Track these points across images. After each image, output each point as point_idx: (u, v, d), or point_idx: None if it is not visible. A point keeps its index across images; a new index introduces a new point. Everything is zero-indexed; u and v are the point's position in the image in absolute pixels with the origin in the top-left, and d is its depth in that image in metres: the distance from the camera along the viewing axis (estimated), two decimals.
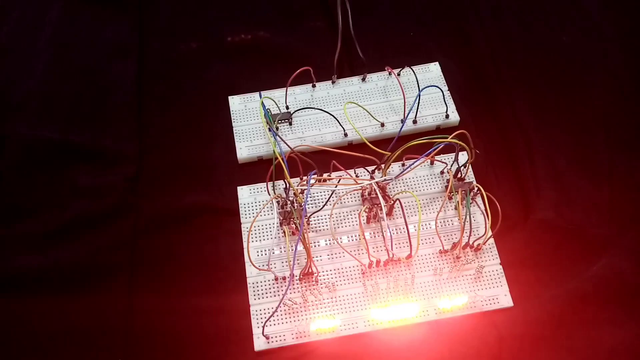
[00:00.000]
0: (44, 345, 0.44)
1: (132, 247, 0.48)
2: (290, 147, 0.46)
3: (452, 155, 0.49)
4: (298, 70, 0.51)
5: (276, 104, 0.52)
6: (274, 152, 0.44)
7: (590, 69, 0.56)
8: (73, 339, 0.44)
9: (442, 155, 0.49)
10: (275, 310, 0.42)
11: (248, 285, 0.45)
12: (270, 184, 0.47)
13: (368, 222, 0.48)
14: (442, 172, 0.50)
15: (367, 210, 0.47)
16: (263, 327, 0.43)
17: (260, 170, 0.50)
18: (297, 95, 0.54)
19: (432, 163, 0.50)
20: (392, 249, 0.45)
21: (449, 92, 0.54)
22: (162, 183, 0.51)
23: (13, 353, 0.44)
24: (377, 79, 0.55)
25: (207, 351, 0.44)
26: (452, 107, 0.53)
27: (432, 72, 0.55)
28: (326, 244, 0.47)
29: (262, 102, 0.48)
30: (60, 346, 0.44)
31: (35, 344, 0.44)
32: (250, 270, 0.46)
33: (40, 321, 0.45)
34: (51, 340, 0.44)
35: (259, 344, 0.43)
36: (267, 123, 0.49)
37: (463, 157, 0.50)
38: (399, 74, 0.55)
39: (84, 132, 0.53)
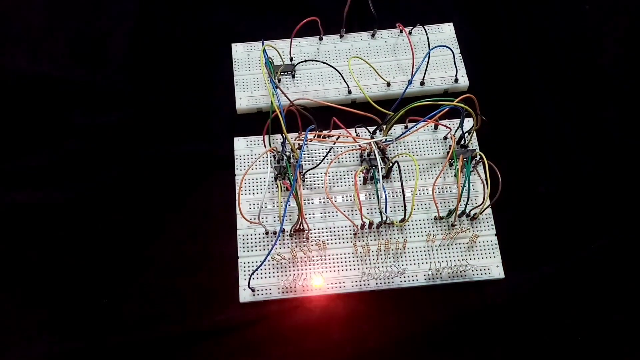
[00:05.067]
0: (30, 280, 0.44)
1: (125, 190, 0.47)
2: (289, 100, 0.44)
3: (458, 120, 0.47)
4: (304, 20, 0.49)
5: (279, 55, 0.50)
6: (272, 103, 0.43)
7: (610, 41, 0.53)
8: (59, 278, 0.44)
9: (447, 120, 0.48)
10: (262, 263, 0.41)
11: (238, 237, 0.45)
12: (266, 137, 0.46)
13: (364, 183, 0.47)
14: (445, 138, 0.49)
15: (364, 170, 0.46)
16: (249, 279, 0.43)
17: (259, 122, 0.49)
18: (302, 47, 0.52)
19: (436, 127, 0.49)
20: (386, 212, 0.44)
21: (460, 54, 0.52)
22: (158, 128, 0.50)
23: (3, 285, 0.44)
24: (387, 36, 0.53)
25: (192, 299, 0.44)
26: (462, 71, 0.51)
27: (445, 32, 0.53)
28: (320, 202, 0.46)
29: (264, 50, 0.47)
30: (46, 283, 0.44)
31: (21, 278, 0.44)
32: (240, 222, 0.45)
33: (28, 257, 0.45)
34: (37, 276, 0.44)
35: (245, 295, 0.43)
36: (268, 72, 0.47)
37: (468, 123, 0.48)
38: (410, 33, 0.52)
39: (81, 71, 0.52)
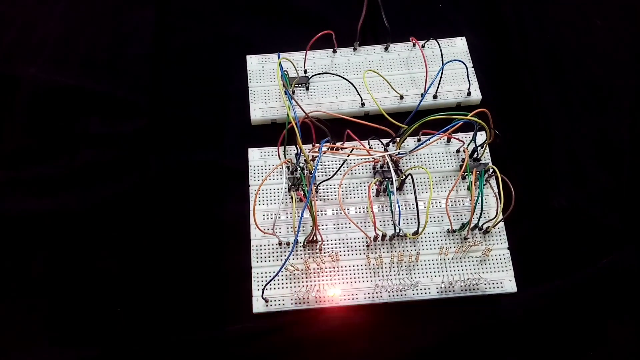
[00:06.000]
0: (45, 287, 0.44)
1: (139, 199, 0.47)
2: (305, 112, 0.45)
3: (470, 134, 0.48)
4: (319, 34, 0.49)
5: (294, 67, 0.51)
6: (288, 115, 0.43)
7: (622, 57, 0.54)
8: (74, 285, 0.44)
9: (460, 133, 0.48)
10: (277, 273, 0.41)
11: (251, 248, 0.45)
12: (281, 148, 0.46)
13: (377, 195, 0.47)
14: (458, 151, 0.49)
15: (377, 183, 0.46)
16: (263, 290, 0.43)
17: (273, 133, 0.49)
18: (316, 59, 0.53)
19: (448, 140, 0.49)
20: (399, 224, 0.44)
21: (473, 68, 0.52)
22: (173, 138, 0.50)
23: (14, 293, 0.44)
24: (401, 50, 0.53)
25: (205, 309, 0.44)
26: (474, 85, 0.51)
27: (457, 46, 0.54)
28: (333, 214, 0.46)
29: (280, 63, 0.47)
30: (61, 290, 0.44)
31: (35, 286, 0.44)
32: (254, 233, 0.45)
33: (42, 265, 0.45)
34: (52, 283, 0.44)
35: (258, 306, 0.43)
36: (284, 85, 0.48)
37: (481, 137, 0.48)
38: (423, 46, 0.53)
39: (98, 80, 0.52)
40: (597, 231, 0.46)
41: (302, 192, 0.45)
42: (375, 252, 0.45)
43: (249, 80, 0.52)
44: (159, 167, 0.49)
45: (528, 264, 0.45)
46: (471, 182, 0.45)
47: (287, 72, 0.50)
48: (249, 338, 0.42)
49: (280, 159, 0.47)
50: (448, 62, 0.49)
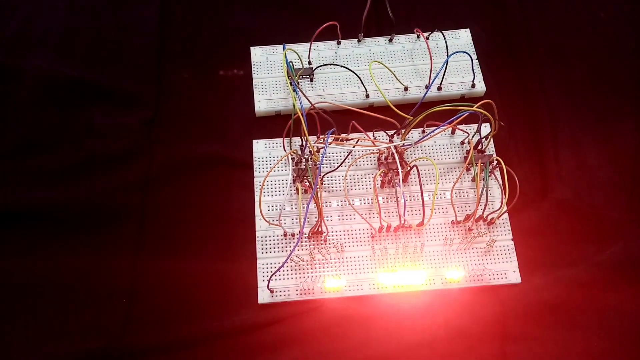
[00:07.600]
0: (50, 280, 0.44)
1: (144, 191, 0.47)
2: (310, 103, 0.45)
3: (475, 125, 0.48)
4: (324, 25, 0.49)
5: (299, 58, 0.51)
6: (294, 106, 0.43)
7: (625, 49, 0.54)
8: (79, 277, 0.44)
9: (464, 125, 0.48)
10: (282, 265, 0.42)
11: (256, 239, 0.45)
12: (286, 139, 0.46)
13: (382, 186, 0.47)
14: (462, 142, 0.49)
15: (382, 174, 0.46)
16: (269, 280, 0.43)
17: (277, 125, 0.49)
18: (320, 51, 0.53)
19: (453, 132, 0.49)
20: (404, 215, 0.44)
21: (477, 60, 0.52)
22: (178, 130, 0.50)
23: (20, 285, 0.44)
24: (405, 41, 0.53)
25: (211, 300, 0.44)
26: (479, 77, 0.52)
27: (461, 38, 0.54)
28: (338, 205, 0.47)
29: (285, 55, 0.47)
30: (66, 283, 0.44)
31: (41, 278, 0.44)
32: (259, 224, 0.46)
33: (47, 257, 0.45)
34: (57, 276, 0.44)
35: (263, 297, 0.43)
36: (289, 76, 0.48)
37: (486, 128, 0.48)
38: (427, 38, 0.53)
39: (102, 72, 0.52)
40: (601, 222, 0.46)
41: (307, 184, 0.45)
42: (380, 243, 0.45)
43: (253, 72, 0.52)
44: (163, 159, 0.49)
45: (532, 255, 0.45)
46: (476, 173, 0.45)
47: (292, 62, 0.50)
48: (254, 328, 0.43)
49: (285, 150, 0.47)
50: (453, 53, 0.49)
